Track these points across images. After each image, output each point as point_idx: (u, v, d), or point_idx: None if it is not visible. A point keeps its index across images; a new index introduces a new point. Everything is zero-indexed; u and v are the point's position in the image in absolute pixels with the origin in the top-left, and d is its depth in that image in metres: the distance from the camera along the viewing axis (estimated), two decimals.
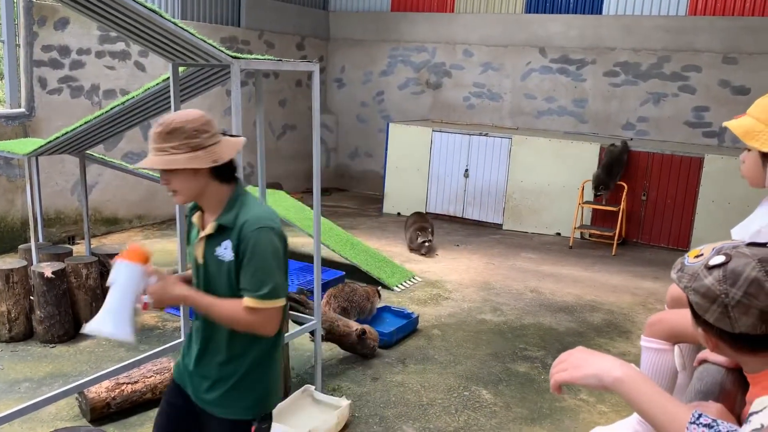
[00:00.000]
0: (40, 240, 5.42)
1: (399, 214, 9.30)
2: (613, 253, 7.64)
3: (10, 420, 3.02)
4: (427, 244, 7.17)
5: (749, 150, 1.95)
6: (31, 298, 4.71)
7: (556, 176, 8.36)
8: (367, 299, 5.20)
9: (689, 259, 1.38)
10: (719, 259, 1.30)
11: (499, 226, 8.72)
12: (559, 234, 8.39)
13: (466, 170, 8.85)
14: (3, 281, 4.62)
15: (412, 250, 7.33)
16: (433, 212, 9.12)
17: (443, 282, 6.35)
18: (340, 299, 5.08)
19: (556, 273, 6.80)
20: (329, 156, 11.15)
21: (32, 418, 3.53)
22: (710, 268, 1.30)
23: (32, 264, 4.89)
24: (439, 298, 5.91)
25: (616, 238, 7.78)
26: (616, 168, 7.78)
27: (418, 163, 9.14)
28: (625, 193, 7.83)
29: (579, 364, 1.41)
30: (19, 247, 5.58)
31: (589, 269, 7.01)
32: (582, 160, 8.22)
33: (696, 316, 1.37)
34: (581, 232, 8.25)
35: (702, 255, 1.36)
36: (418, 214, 7.80)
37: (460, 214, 8.98)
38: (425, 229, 7.29)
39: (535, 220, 8.54)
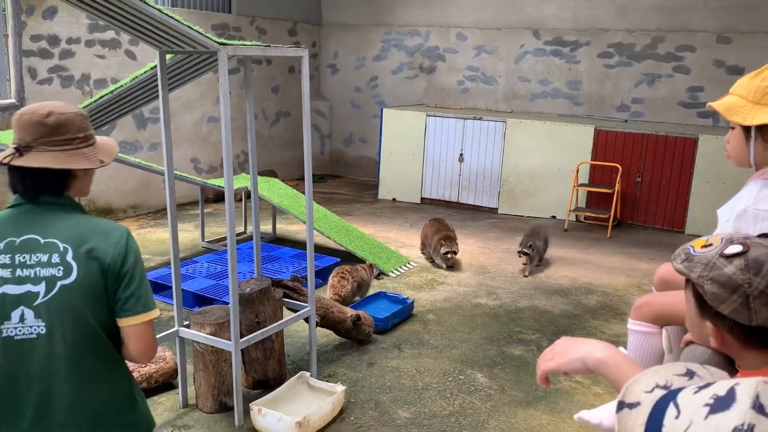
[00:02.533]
0: None
1: (394, 200, 9.29)
2: (608, 235, 7.64)
3: None
4: (450, 256, 6.22)
5: (733, 129, 1.94)
6: None
7: (551, 159, 8.34)
8: (366, 274, 5.53)
9: (696, 248, 1.30)
10: (736, 248, 1.23)
11: (494, 210, 8.71)
12: (554, 217, 8.39)
13: (461, 155, 8.83)
14: None
15: (433, 262, 6.44)
16: (429, 197, 9.11)
17: (437, 267, 6.34)
18: (354, 274, 5.36)
19: (551, 256, 6.80)
20: (323, 142, 11.11)
21: None
22: (728, 257, 1.23)
23: None
24: (434, 283, 5.91)
25: (611, 220, 7.78)
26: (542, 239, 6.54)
27: (413, 149, 9.11)
28: (619, 175, 7.82)
29: (563, 351, 1.39)
30: None
31: (584, 251, 7.01)
32: (577, 143, 8.20)
33: (704, 309, 1.28)
34: (576, 215, 8.24)
35: (711, 245, 1.28)
36: (438, 221, 6.71)
37: (456, 198, 8.96)
38: (451, 239, 6.29)
39: (530, 203, 8.53)
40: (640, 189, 8.04)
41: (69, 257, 1.76)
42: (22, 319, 1.73)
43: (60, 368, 1.78)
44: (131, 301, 1.79)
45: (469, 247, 7.02)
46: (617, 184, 7.81)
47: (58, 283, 1.74)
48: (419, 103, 10.19)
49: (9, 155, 1.73)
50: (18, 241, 1.76)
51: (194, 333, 3.55)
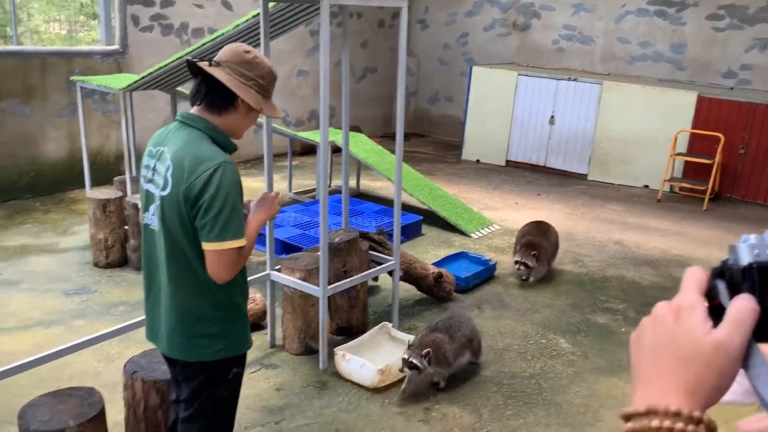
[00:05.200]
0: (134, 173, 5.66)
1: (478, 161, 9.16)
2: (704, 208, 7.27)
3: (108, 338, 3.24)
4: (519, 268, 4.90)
5: None
6: (126, 227, 4.96)
7: (647, 125, 7.96)
8: None
9: None
10: None
11: (583, 177, 8.44)
12: (647, 186, 8.05)
13: (552, 117, 8.57)
14: (101, 210, 4.89)
15: None
16: (514, 160, 8.92)
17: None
18: None
19: (642, 226, 6.56)
20: (408, 100, 11.03)
21: (128, 339, 3.76)
22: None
23: (127, 195, 5.13)
24: None
25: (708, 192, 7.39)
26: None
27: (501, 109, 8.90)
28: (721, 146, 7.39)
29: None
30: (114, 179, 5.87)
31: (677, 224, 6.72)
32: (677, 110, 7.78)
33: None
34: (671, 185, 7.88)
35: None
36: (538, 224, 5.32)
37: (543, 162, 8.74)
38: (531, 246, 4.93)
39: (622, 171, 8.22)
40: (743, 161, 7.58)
41: (169, 174, 2.03)
42: (153, 213, 2.10)
43: (164, 264, 2.10)
44: (205, 230, 1.99)
45: (555, 213, 6.86)
46: (718, 155, 7.39)
47: (161, 193, 2.06)
48: (510, 61, 9.91)
49: (204, 62, 2.08)
50: (159, 150, 2.10)
51: (285, 277, 3.66)
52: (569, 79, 8.41)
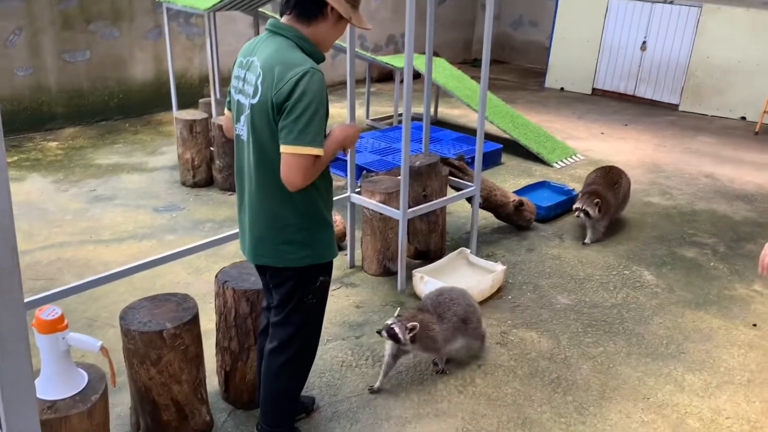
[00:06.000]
0: (218, 96, 5.75)
1: (562, 89, 8.82)
2: None
3: (197, 251, 3.38)
4: (579, 215, 4.41)
5: None
6: (212, 148, 5.09)
7: (749, 52, 7.40)
8: None
9: None
10: None
11: (674, 107, 8.00)
12: (744, 118, 7.56)
13: (644, 42, 8.08)
14: (187, 131, 5.02)
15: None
16: (601, 88, 8.53)
17: (607, 161, 6.00)
18: None
19: (736, 159, 6.20)
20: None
21: (215, 253, 3.93)
22: None
23: (212, 117, 5.24)
24: None
25: None
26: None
27: (590, 34, 8.46)
28: None
29: None
30: (200, 101, 5.99)
31: None
32: None
33: None
34: None
35: None
36: (607, 170, 4.75)
37: (632, 91, 8.32)
38: (594, 195, 4.42)
39: (717, 101, 7.73)
40: None
41: (259, 81, 2.03)
42: (243, 123, 2.13)
43: (252, 172, 2.13)
44: (284, 132, 1.98)
45: (642, 144, 6.58)
46: None
47: (251, 102, 2.06)
48: None
49: None
50: (249, 60, 2.11)
51: (365, 200, 3.69)
52: (665, 2, 7.86)
